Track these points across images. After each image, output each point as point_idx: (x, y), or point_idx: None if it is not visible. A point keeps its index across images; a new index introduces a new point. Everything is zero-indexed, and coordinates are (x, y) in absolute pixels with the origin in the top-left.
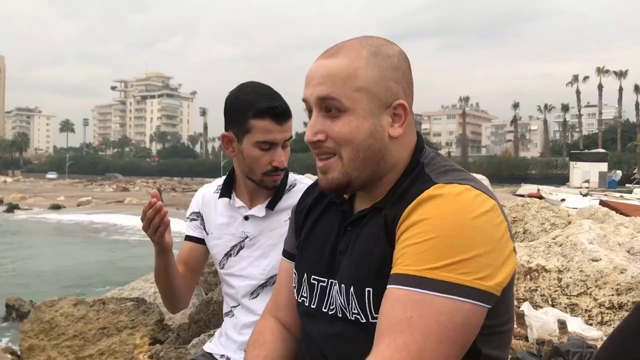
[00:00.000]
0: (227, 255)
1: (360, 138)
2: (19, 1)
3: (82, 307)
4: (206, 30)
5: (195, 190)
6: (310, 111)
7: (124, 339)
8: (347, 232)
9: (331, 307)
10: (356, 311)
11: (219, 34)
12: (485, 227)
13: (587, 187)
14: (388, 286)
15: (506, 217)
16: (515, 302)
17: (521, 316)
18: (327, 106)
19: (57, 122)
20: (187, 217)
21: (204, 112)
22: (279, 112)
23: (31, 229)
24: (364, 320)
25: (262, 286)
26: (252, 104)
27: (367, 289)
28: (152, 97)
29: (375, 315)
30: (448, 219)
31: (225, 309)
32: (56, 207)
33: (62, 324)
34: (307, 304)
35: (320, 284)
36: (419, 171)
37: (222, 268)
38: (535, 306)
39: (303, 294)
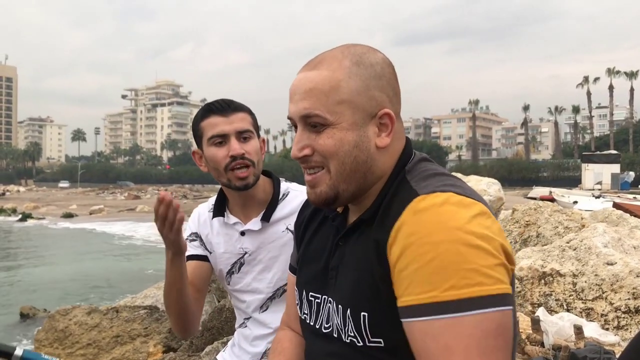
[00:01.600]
0: (230, 273)
1: (345, 149)
2: (31, 12)
3: (95, 315)
4: (215, 38)
5: (207, 198)
6: (295, 126)
7: (137, 347)
8: (339, 247)
9: (326, 326)
10: (352, 334)
11: (228, 41)
12: (478, 232)
13: (599, 189)
14: (406, 320)
15: (495, 216)
16: (530, 307)
17: (537, 322)
18: (311, 122)
19: (69, 131)
20: (186, 238)
21: None
22: (220, 105)
23: (44, 237)
24: (360, 344)
25: (271, 299)
26: (199, 112)
27: (362, 314)
28: (163, 105)
29: (372, 339)
30: (439, 235)
31: (239, 321)
32: (68, 216)
33: (76, 333)
34: (308, 321)
35: (316, 300)
36: (401, 179)
37: (228, 285)
38: (551, 311)
39: (304, 310)
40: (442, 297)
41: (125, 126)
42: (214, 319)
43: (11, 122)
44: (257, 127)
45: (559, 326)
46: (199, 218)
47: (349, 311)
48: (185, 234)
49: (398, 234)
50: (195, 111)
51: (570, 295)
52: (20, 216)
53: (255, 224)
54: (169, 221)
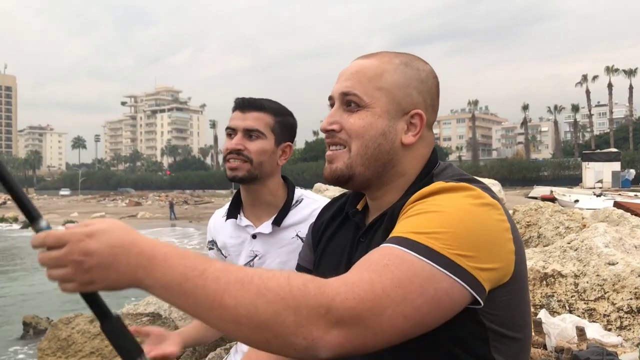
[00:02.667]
0: None
1: (371, 134)
2: (30, 21)
3: (98, 323)
4: (214, 43)
5: (208, 203)
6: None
7: None
8: (360, 244)
9: None
10: None
11: (227, 46)
12: (484, 216)
13: (600, 187)
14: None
15: (512, 223)
16: (532, 309)
17: (539, 324)
18: (347, 101)
19: (69, 139)
20: (207, 247)
21: (214, 125)
22: (242, 101)
23: None
24: None
25: None
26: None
27: None
28: (162, 111)
29: None
30: (446, 200)
31: None
32: (70, 224)
33: (79, 341)
34: None
35: None
36: (429, 180)
37: None
38: (553, 312)
39: None
40: (412, 237)
41: (125, 133)
42: None
43: (11, 130)
44: (278, 130)
45: (561, 328)
46: (214, 225)
47: None
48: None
49: (412, 203)
50: (195, 117)
51: (572, 296)
52: (21, 225)
53: (266, 227)
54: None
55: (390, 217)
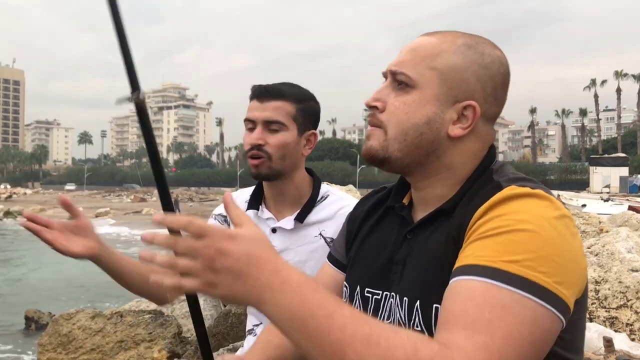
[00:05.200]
0: None
1: (414, 122)
2: (38, 17)
3: (99, 319)
4: (221, 41)
5: (213, 200)
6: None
7: (141, 353)
8: (406, 241)
9: (387, 322)
10: (419, 328)
11: (234, 45)
12: (564, 231)
13: (607, 192)
14: (453, 279)
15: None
16: None
17: None
18: (397, 80)
19: (76, 134)
20: (213, 216)
21: (220, 122)
22: (261, 89)
23: None
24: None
25: None
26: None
27: (434, 305)
28: (169, 108)
29: None
30: (526, 214)
31: (248, 326)
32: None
33: (80, 337)
34: None
35: (375, 297)
36: (487, 177)
37: None
38: None
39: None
40: (499, 265)
41: (132, 129)
42: (219, 325)
43: (18, 125)
44: (301, 119)
45: (586, 338)
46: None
47: (418, 303)
48: (215, 211)
49: (486, 213)
50: (201, 114)
51: (592, 304)
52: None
53: (288, 222)
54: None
55: (455, 221)
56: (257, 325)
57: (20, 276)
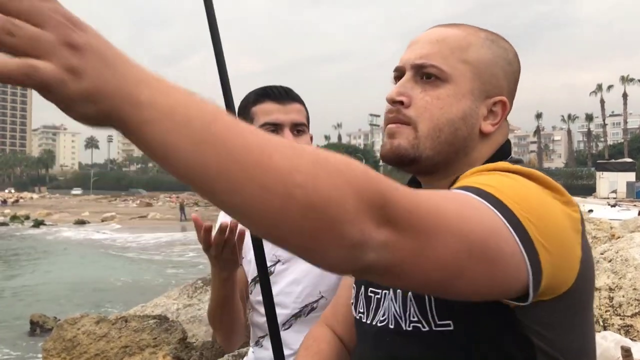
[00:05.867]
0: (255, 280)
1: (449, 117)
2: None
3: (104, 324)
4: (229, 46)
5: None
6: (398, 80)
7: (146, 358)
8: None
9: (382, 319)
10: (415, 318)
11: (241, 50)
12: (556, 205)
13: (614, 198)
14: None
15: (585, 235)
16: None
17: None
18: (424, 73)
19: (82, 138)
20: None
21: None
22: (278, 91)
23: (57, 244)
24: (426, 328)
25: (296, 316)
26: (251, 95)
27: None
28: None
29: (438, 322)
30: (517, 178)
31: (253, 338)
32: (81, 223)
33: (84, 342)
34: (364, 320)
35: (376, 296)
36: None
37: (250, 294)
38: None
39: (360, 309)
40: (473, 184)
41: None
42: None
43: (25, 130)
44: (309, 122)
45: (603, 347)
46: None
47: (410, 293)
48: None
49: (464, 176)
50: None
51: (606, 311)
52: (33, 223)
53: None
54: (229, 245)
55: None
56: (262, 337)
57: (26, 280)
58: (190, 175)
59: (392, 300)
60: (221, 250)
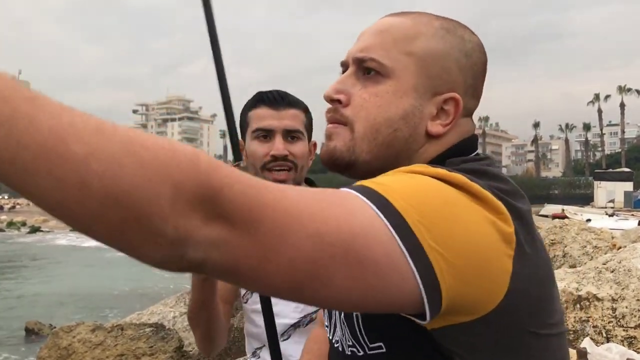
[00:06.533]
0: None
1: (387, 115)
2: (47, 29)
3: (100, 332)
4: (228, 55)
5: None
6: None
7: None
8: None
9: (335, 339)
10: (350, 342)
11: (241, 58)
12: (471, 209)
13: (612, 207)
14: None
15: (531, 242)
16: (573, 335)
17: (583, 354)
18: (365, 67)
19: None
20: None
21: (224, 135)
22: (272, 96)
23: (53, 250)
24: (361, 353)
25: (295, 326)
26: (249, 100)
27: (354, 314)
28: (173, 120)
29: (370, 346)
30: (417, 176)
31: (249, 349)
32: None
33: (80, 351)
34: (329, 337)
35: (334, 313)
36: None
37: (246, 303)
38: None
39: (326, 322)
40: (366, 183)
41: None
42: None
43: None
44: (309, 128)
45: (608, 359)
46: None
47: (342, 315)
48: None
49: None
50: (205, 126)
51: (609, 322)
52: (29, 229)
53: None
54: None
55: None
56: (259, 348)
57: (22, 286)
58: None
59: (337, 318)
60: None
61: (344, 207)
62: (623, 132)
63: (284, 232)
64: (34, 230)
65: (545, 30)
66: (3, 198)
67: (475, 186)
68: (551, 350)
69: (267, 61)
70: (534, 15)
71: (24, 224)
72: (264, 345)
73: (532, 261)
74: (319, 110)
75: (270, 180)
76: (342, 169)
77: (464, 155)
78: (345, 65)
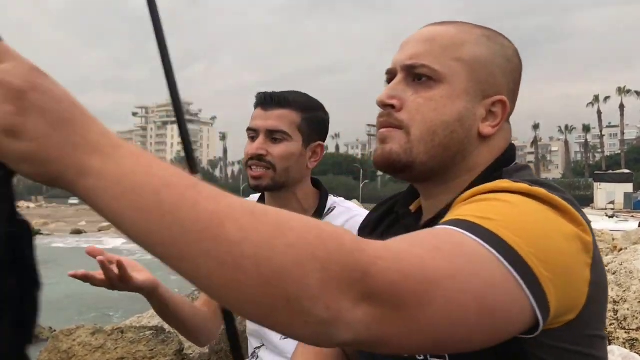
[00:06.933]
0: None
1: (444, 119)
2: (47, 32)
3: (100, 336)
4: (227, 57)
5: None
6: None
7: None
8: None
9: None
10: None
11: (240, 61)
12: (559, 224)
13: (612, 209)
14: None
15: (597, 253)
16: None
17: None
18: (416, 74)
19: None
20: None
21: (223, 137)
22: (265, 96)
23: (51, 254)
24: (421, 357)
25: None
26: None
27: None
28: (173, 122)
29: (430, 357)
30: (516, 198)
31: (249, 350)
32: (77, 232)
33: (80, 354)
34: None
35: None
36: (497, 177)
37: None
38: None
39: None
40: (468, 218)
41: (136, 143)
42: (222, 342)
43: None
44: (306, 129)
45: None
46: None
47: None
48: None
49: (463, 199)
50: (205, 129)
51: (611, 324)
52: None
53: None
54: (114, 280)
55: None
56: (258, 347)
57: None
58: (142, 243)
59: None
60: (112, 284)
61: (469, 258)
62: (623, 133)
63: (428, 302)
64: (34, 233)
65: (545, 32)
66: None
67: (559, 200)
68: (605, 351)
69: (266, 63)
70: (534, 17)
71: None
72: (263, 345)
73: (599, 268)
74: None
75: (249, 178)
76: (398, 170)
77: (511, 162)
78: (391, 73)
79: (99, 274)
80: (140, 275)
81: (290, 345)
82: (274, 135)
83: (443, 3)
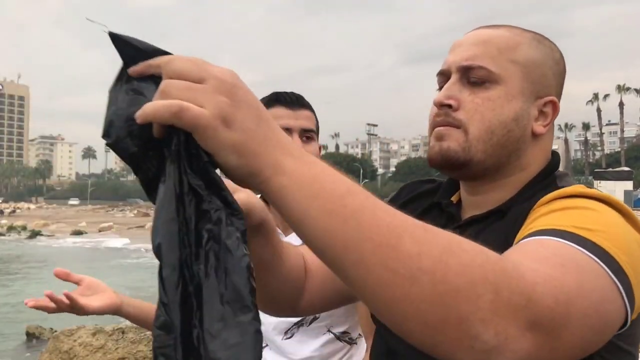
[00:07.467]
0: None
1: (501, 119)
2: (46, 33)
3: (101, 336)
4: (226, 57)
5: None
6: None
7: None
8: None
9: None
10: None
11: (239, 60)
12: (629, 231)
13: None
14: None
15: None
16: None
17: None
18: (472, 76)
19: (80, 149)
20: None
21: None
22: (289, 97)
23: (53, 255)
24: None
25: (299, 325)
26: (263, 100)
27: None
28: None
29: None
30: (594, 203)
31: None
32: (78, 233)
33: (81, 354)
34: None
35: None
36: (551, 182)
37: None
38: None
39: None
40: (572, 230)
41: None
42: None
43: (22, 140)
44: (318, 131)
45: None
46: None
47: None
48: None
49: (545, 201)
50: None
51: None
52: (29, 233)
53: (296, 237)
54: (65, 309)
55: (512, 218)
56: (262, 348)
57: (22, 290)
58: (320, 244)
59: None
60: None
61: (588, 276)
62: (622, 131)
63: (566, 324)
64: (35, 234)
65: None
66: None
67: (626, 207)
68: None
69: (265, 62)
70: (533, 15)
71: (24, 228)
72: (267, 345)
73: None
74: (318, 112)
75: None
76: (456, 167)
77: (557, 166)
78: (444, 74)
79: (52, 303)
80: (96, 300)
81: (292, 346)
82: (307, 134)
83: (443, 3)
